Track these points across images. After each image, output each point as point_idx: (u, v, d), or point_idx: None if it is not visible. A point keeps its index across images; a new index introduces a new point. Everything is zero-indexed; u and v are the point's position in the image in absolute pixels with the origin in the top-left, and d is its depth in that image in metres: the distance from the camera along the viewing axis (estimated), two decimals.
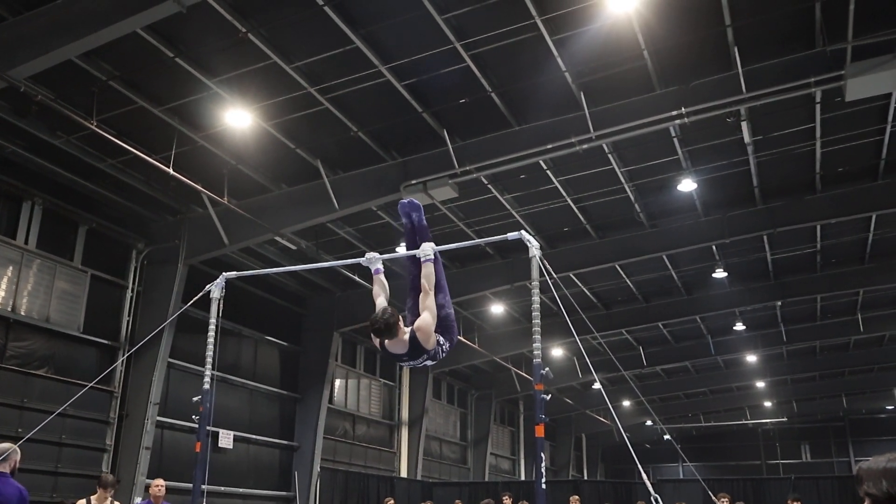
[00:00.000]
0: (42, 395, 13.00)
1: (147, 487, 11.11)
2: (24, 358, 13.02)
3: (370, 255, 6.29)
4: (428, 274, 5.69)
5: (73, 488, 13.45)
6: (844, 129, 13.33)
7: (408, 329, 5.48)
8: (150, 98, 11.84)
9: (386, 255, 6.78)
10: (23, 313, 13.11)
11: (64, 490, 13.25)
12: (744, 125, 12.48)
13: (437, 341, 5.52)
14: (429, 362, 5.62)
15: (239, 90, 11.57)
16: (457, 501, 15.12)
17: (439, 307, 5.59)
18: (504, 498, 15.19)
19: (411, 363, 5.66)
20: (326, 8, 9.90)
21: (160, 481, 8.84)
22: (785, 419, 37.85)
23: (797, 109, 12.58)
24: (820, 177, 14.95)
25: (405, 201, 6.32)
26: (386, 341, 5.43)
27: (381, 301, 5.79)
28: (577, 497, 14.60)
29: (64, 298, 13.91)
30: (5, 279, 12.89)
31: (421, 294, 5.65)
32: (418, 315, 5.54)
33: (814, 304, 22.84)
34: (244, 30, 10.20)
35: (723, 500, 12.42)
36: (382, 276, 6.14)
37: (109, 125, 11.89)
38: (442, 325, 5.59)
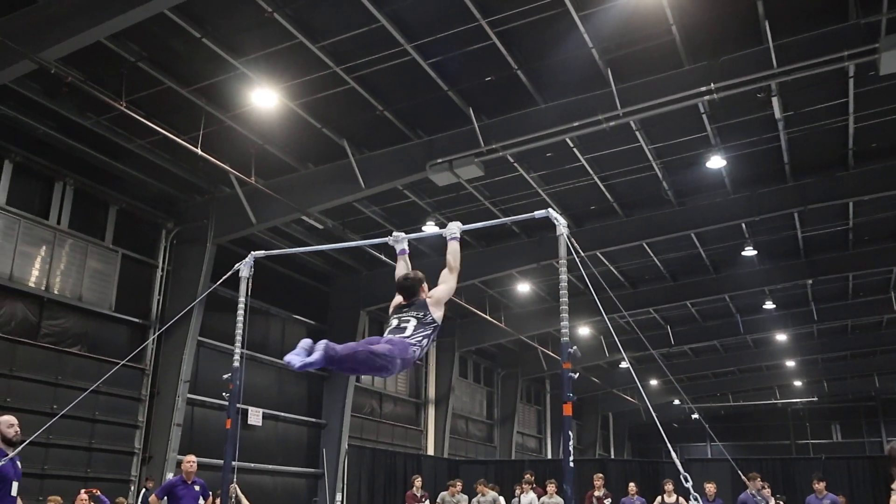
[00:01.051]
0: (76, 372, 13.25)
1: (179, 464, 11.30)
2: (58, 336, 13.26)
3: (397, 234, 6.30)
4: (454, 251, 5.69)
5: (106, 463, 13.77)
6: (878, 103, 13.04)
7: (424, 296, 5.39)
8: (178, 79, 11.91)
9: (412, 235, 6.80)
10: (56, 292, 13.34)
11: (97, 465, 13.54)
12: (774, 101, 12.24)
13: (436, 319, 5.33)
14: (420, 333, 5.20)
15: (265, 70, 11.60)
16: (480, 480, 15.14)
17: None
18: (526, 475, 15.22)
19: (403, 313, 5.36)
20: None
21: (192, 457, 8.97)
22: (815, 399, 37.49)
23: (829, 84, 12.33)
24: (852, 153, 14.68)
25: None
26: (403, 302, 5.37)
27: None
28: (601, 475, 14.56)
29: (96, 277, 14.12)
30: (39, 259, 13.11)
31: (445, 270, 5.63)
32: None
33: (845, 282, 22.51)
34: (270, 9, 10.22)
35: (755, 480, 12.29)
36: (407, 258, 6.15)
37: (138, 106, 11.99)
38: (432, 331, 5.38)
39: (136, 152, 13.68)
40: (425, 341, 5.24)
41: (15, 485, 6.17)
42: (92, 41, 10.06)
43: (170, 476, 13.78)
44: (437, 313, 5.32)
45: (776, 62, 10.92)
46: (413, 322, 5.23)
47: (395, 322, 5.31)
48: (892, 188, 15.42)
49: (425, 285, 5.43)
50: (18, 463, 6.36)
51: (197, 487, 8.82)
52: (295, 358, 4.56)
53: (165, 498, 8.85)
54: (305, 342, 4.67)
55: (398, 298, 5.44)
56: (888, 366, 33.05)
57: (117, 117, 12.42)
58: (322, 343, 4.70)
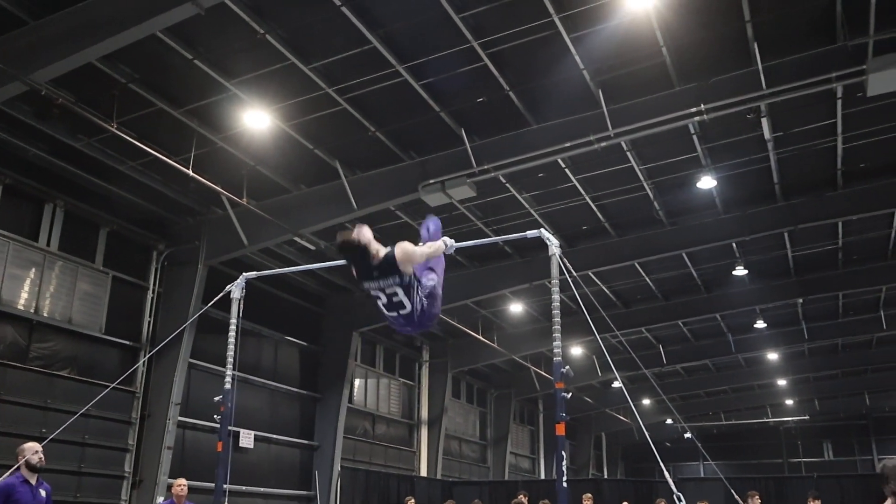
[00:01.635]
0: (65, 395, 13.12)
1: (169, 487, 11.18)
2: (48, 359, 13.15)
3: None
4: (431, 243, 5.41)
5: (96, 488, 13.60)
6: (866, 124, 13.17)
7: (385, 249, 4.97)
8: (170, 100, 11.92)
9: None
10: (45, 314, 13.25)
11: (87, 490, 13.38)
12: (764, 121, 12.36)
13: (414, 274, 5.00)
14: (399, 292, 4.93)
15: (257, 91, 11.62)
16: (476, 501, 15.07)
17: (429, 281, 5.20)
18: (520, 496, 15.17)
19: (377, 283, 4.97)
20: (344, 8, 9.93)
21: (182, 481, 8.90)
22: (807, 417, 37.50)
23: (818, 105, 12.45)
24: (841, 173, 14.80)
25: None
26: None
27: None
28: (589, 495, 14.52)
29: (86, 300, 14.03)
30: (28, 281, 13.03)
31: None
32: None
33: (836, 301, 22.61)
34: (262, 31, 10.25)
35: (754, 497, 12.32)
36: None
37: (129, 127, 11.98)
38: (429, 295, 5.14)
39: (128, 174, 13.64)
40: (430, 284, 5.12)
41: None
42: (83, 63, 10.07)
43: (160, 500, 13.63)
44: (407, 267, 4.95)
45: (765, 83, 11.04)
46: (400, 292, 4.94)
47: (382, 297, 4.99)
48: (880, 208, 15.58)
49: (374, 243, 4.95)
50: (43, 492, 6.30)
51: None
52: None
53: None
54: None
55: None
56: (879, 384, 33.15)
57: (108, 139, 12.39)
58: None
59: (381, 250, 4.91)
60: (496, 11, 10.27)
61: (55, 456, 12.55)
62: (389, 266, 4.87)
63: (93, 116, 11.26)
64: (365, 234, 4.90)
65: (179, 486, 8.84)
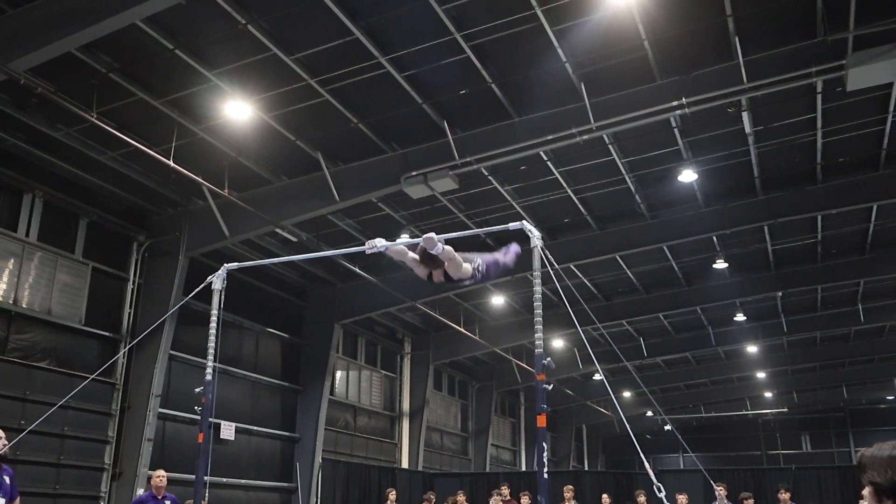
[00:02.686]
0: (44, 387, 13.02)
1: (149, 479, 11.15)
2: (26, 350, 13.04)
3: (371, 242, 6.18)
4: (447, 255, 5.86)
5: (75, 480, 13.52)
6: (846, 119, 13.30)
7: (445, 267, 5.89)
8: (150, 90, 11.82)
9: (389, 243, 6.74)
10: (24, 306, 13.13)
11: (66, 482, 13.31)
12: (745, 115, 12.46)
13: (470, 272, 5.96)
14: (468, 282, 6.17)
15: (239, 82, 11.55)
16: (459, 492, 15.14)
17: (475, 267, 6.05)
18: (502, 488, 15.25)
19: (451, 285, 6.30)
20: None
21: (161, 472, 8.87)
22: (785, 410, 37.93)
23: (798, 99, 12.55)
24: (821, 167, 14.93)
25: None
26: (433, 272, 5.90)
27: (411, 254, 6.00)
28: (571, 487, 14.62)
29: (65, 291, 13.92)
30: (7, 272, 12.90)
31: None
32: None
33: (814, 294, 22.84)
34: (244, 21, 10.19)
35: (720, 490, 12.54)
36: (392, 246, 6.26)
37: (109, 117, 11.88)
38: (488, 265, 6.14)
39: (108, 164, 13.53)
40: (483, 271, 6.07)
41: (0, 501, 6.05)
42: (62, 52, 9.96)
43: (140, 492, 13.58)
44: (467, 272, 5.92)
45: (746, 77, 11.10)
46: (468, 281, 6.11)
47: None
48: (858, 202, 15.75)
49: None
50: (6, 477, 6.20)
51: (168, 502, 8.72)
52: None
53: None
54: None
55: (422, 268, 5.93)
56: (856, 377, 33.59)
57: (88, 129, 12.28)
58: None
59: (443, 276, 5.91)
60: (479, 3, 10.27)
61: (34, 448, 12.49)
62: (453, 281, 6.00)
63: (72, 106, 11.15)
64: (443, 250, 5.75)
65: (158, 477, 8.81)
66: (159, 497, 8.66)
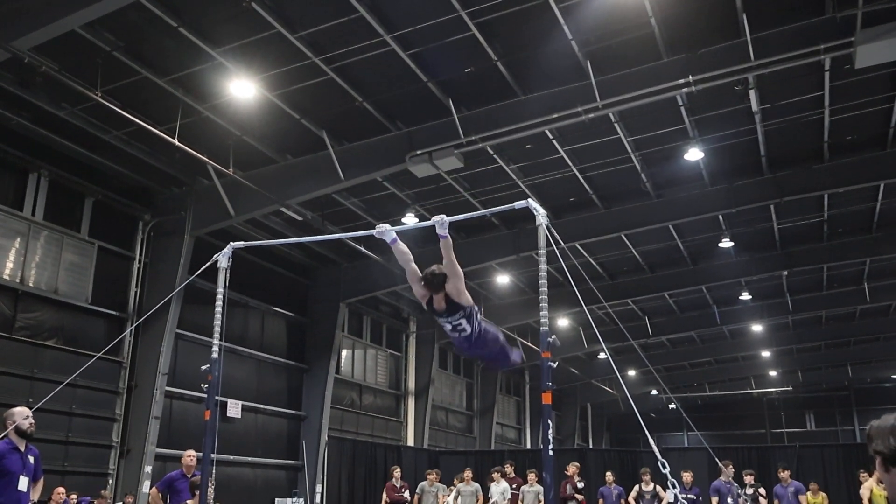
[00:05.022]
0: (52, 365, 13.12)
1: (156, 456, 11.21)
2: (34, 329, 13.12)
3: (381, 226, 6.20)
4: (448, 246, 5.75)
5: (84, 458, 13.64)
6: (853, 97, 13.19)
7: (447, 291, 5.76)
8: (155, 69, 11.78)
9: (397, 228, 6.80)
10: (31, 284, 13.19)
11: (74, 459, 13.43)
12: (751, 93, 12.34)
13: (471, 302, 5.80)
14: (465, 324, 5.77)
15: (243, 60, 11.51)
16: (466, 469, 15.27)
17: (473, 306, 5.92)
18: (506, 466, 15.35)
19: (450, 319, 5.80)
20: None
21: (192, 452, 8.94)
22: (790, 388, 37.95)
23: (806, 77, 12.45)
24: (828, 145, 14.84)
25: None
26: (433, 297, 5.73)
27: (413, 266, 5.88)
28: (576, 464, 14.72)
29: (71, 270, 13.98)
30: (13, 251, 12.95)
31: (445, 262, 5.73)
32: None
33: (820, 273, 22.79)
34: None
35: (728, 467, 12.64)
36: (401, 244, 6.09)
37: (114, 96, 11.86)
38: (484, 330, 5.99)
39: (113, 143, 13.52)
40: (480, 323, 5.91)
41: (23, 479, 6.00)
42: (66, 30, 9.92)
43: (148, 469, 13.72)
44: (468, 300, 5.77)
45: (753, 55, 11.00)
46: (464, 322, 5.80)
47: (448, 327, 5.92)
48: (865, 181, 15.66)
49: (446, 277, 5.74)
50: (31, 458, 6.17)
51: (197, 478, 8.79)
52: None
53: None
54: None
55: (420, 289, 5.81)
56: (861, 356, 33.58)
57: (93, 108, 12.27)
58: None
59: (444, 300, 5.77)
60: None
61: (42, 426, 12.50)
62: (453, 304, 5.72)
63: (77, 85, 11.14)
64: (443, 271, 5.69)
65: (189, 456, 8.88)
66: (189, 476, 8.73)
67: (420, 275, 5.74)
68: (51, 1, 9.54)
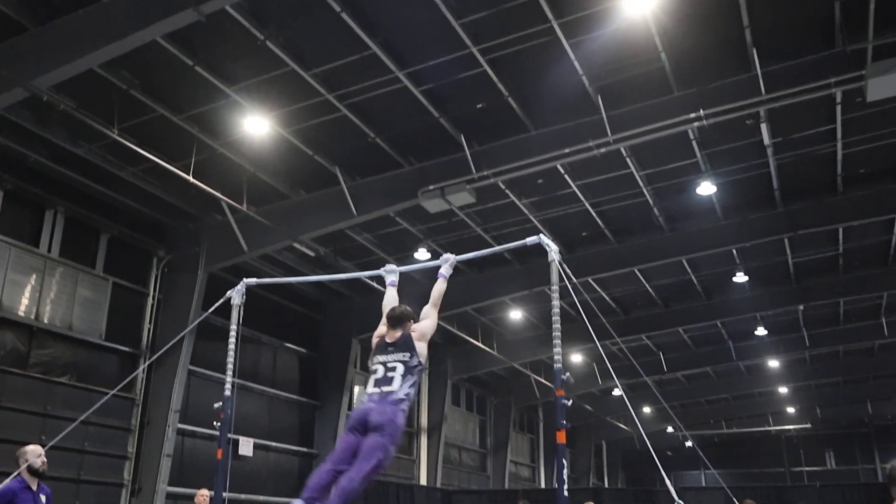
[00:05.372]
0: (65, 402, 13.10)
1: (167, 495, 11.15)
2: (47, 365, 13.13)
3: (389, 266, 6.36)
4: (440, 289, 5.85)
5: (95, 496, 13.55)
6: (866, 129, 13.17)
7: (409, 330, 5.56)
8: (170, 106, 11.93)
9: (406, 268, 6.88)
10: (46, 321, 13.23)
11: (86, 498, 13.33)
12: (763, 127, 12.36)
13: (421, 360, 5.47)
14: (399, 371, 5.33)
15: (257, 97, 11.64)
16: None
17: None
18: (520, 503, 15.14)
19: (391, 355, 5.43)
20: (344, 14, 9.94)
21: (205, 491, 8.92)
22: (809, 425, 37.36)
23: (818, 110, 12.45)
24: (841, 178, 14.79)
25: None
26: (390, 332, 5.54)
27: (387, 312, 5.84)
28: (591, 503, 14.51)
29: (86, 306, 14.02)
30: (29, 287, 13.02)
31: (427, 306, 5.78)
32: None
33: (836, 307, 22.54)
34: (262, 37, 10.27)
35: None
36: (395, 291, 6.19)
37: (130, 133, 11.99)
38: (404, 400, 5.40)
39: (128, 180, 13.65)
40: (412, 391, 5.39)
41: None
42: (84, 69, 10.08)
43: None
44: (423, 350, 5.48)
45: (764, 89, 11.04)
46: (400, 369, 5.36)
47: (380, 370, 5.41)
48: (880, 213, 15.56)
49: (412, 321, 5.61)
50: (43, 496, 6.16)
51: None
52: None
53: None
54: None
55: (382, 328, 5.63)
56: (881, 392, 33.05)
57: (109, 145, 12.41)
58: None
59: (407, 330, 5.52)
60: (495, 17, 10.29)
61: (54, 463, 12.42)
62: (407, 345, 5.43)
63: (94, 122, 11.29)
64: (410, 310, 5.61)
65: (202, 496, 8.85)
66: None
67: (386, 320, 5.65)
68: (69, 41, 9.71)
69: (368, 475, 5.00)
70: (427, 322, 5.63)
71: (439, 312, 5.83)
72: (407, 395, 5.32)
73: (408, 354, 5.40)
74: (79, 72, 10.06)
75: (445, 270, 5.98)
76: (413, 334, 5.48)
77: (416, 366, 5.40)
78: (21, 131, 12.09)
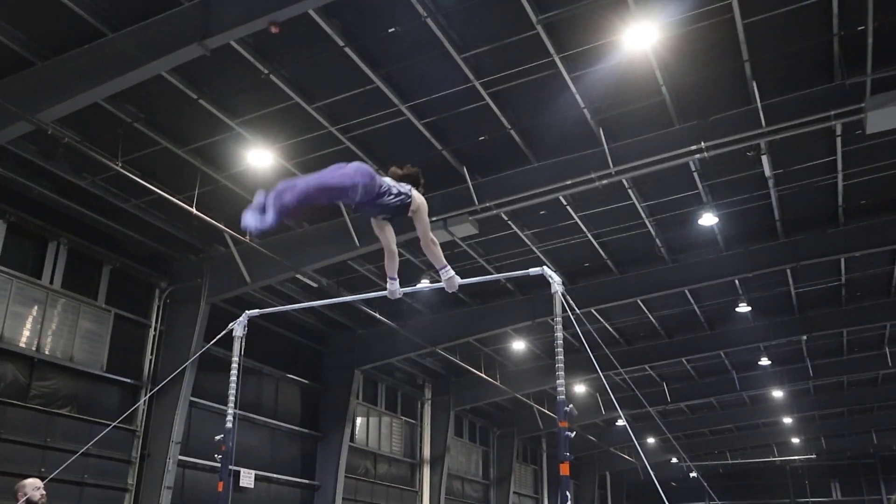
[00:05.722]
0: (65, 434, 13.03)
1: None
2: (48, 397, 13.08)
3: (394, 285, 6.50)
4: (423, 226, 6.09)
5: None
6: (866, 161, 13.24)
7: (414, 195, 5.91)
8: (174, 139, 12.01)
9: (407, 289, 6.88)
10: (47, 352, 13.20)
11: None
12: (764, 159, 12.43)
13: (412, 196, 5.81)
14: (393, 195, 5.71)
15: (261, 130, 11.72)
16: None
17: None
18: None
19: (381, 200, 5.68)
20: (347, 49, 10.05)
21: None
22: (814, 456, 37.07)
23: (818, 142, 12.53)
24: (843, 209, 14.83)
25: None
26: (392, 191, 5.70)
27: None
28: None
29: (88, 337, 14.00)
30: (30, 319, 13.01)
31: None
32: None
33: (840, 338, 22.48)
34: (266, 71, 10.38)
35: None
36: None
37: (134, 166, 12.06)
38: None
39: (131, 212, 13.70)
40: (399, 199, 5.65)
41: None
42: (89, 103, 10.16)
43: None
44: (419, 201, 5.84)
45: (765, 121, 11.12)
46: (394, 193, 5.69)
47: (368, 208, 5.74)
48: (882, 244, 15.57)
49: (417, 189, 5.96)
50: None
51: None
52: (250, 221, 4.88)
53: None
54: (259, 196, 4.88)
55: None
56: (886, 422, 32.82)
57: (113, 177, 12.47)
58: (271, 195, 4.86)
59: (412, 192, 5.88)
60: (497, 51, 10.40)
61: (54, 496, 12.37)
62: (402, 203, 5.76)
63: (98, 155, 11.35)
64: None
65: None
66: None
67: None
68: (74, 75, 9.80)
69: (309, 185, 5.11)
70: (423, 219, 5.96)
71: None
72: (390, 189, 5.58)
73: (405, 196, 5.79)
74: (83, 105, 10.15)
75: (445, 274, 5.97)
76: (412, 204, 5.89)
77: (406, 195, 5.80)
78: (25, 164, 12.17)
